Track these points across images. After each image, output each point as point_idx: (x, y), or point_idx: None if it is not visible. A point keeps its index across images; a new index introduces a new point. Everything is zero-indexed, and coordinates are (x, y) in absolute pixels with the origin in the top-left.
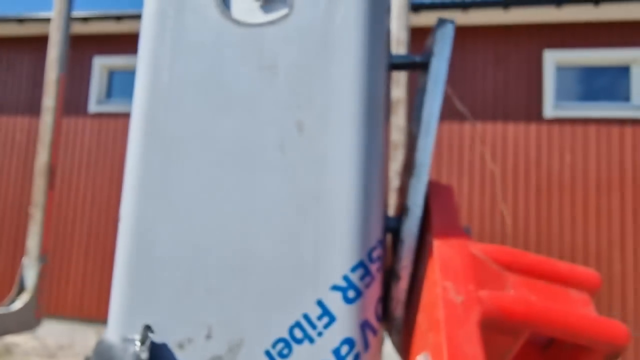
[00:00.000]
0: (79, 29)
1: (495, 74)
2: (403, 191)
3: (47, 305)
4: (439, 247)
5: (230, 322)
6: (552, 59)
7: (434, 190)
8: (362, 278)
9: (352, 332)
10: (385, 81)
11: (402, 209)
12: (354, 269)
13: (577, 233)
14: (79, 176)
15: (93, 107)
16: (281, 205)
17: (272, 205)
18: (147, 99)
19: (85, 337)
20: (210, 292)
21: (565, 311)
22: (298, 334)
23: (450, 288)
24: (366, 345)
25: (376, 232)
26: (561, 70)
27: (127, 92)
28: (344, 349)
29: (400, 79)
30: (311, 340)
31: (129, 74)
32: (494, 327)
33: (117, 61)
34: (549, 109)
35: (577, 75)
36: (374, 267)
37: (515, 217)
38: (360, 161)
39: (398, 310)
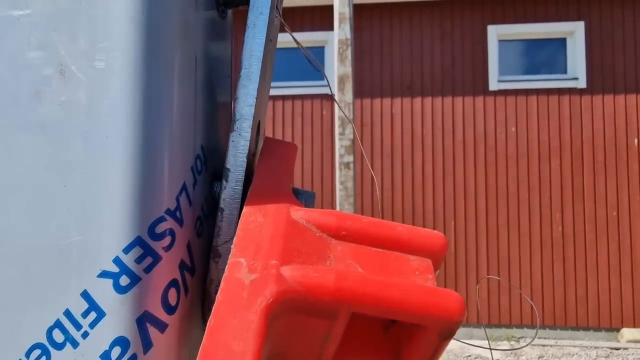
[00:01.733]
0: None
1: (442, 49)
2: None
3: None
4: (246, 214)
5: None
6: (495, 33)
7: (267, 149)
8: (139, 259)
9: (126, 329)
10: (188, 22)
11: (223, 172)
12: (127, 249)
13: (522, 200)
14: None
15: None
16: (39, 170)
17: (28, 171)
18: None
19: None
20: None
21: (385, 284)
22: (58, 336)
23: (243, 265)
24: (147, 344)
25: (162, 200)
26: (503, 44)
27: None
28: (115, 352)
29: (347, 55)
30: (74, 344)
31: None
32: (301, 310)
33: None
34: (494, 82)
35: (519, 49)
36: (159, 245)
37: (465, 190)
38: (136, 114)
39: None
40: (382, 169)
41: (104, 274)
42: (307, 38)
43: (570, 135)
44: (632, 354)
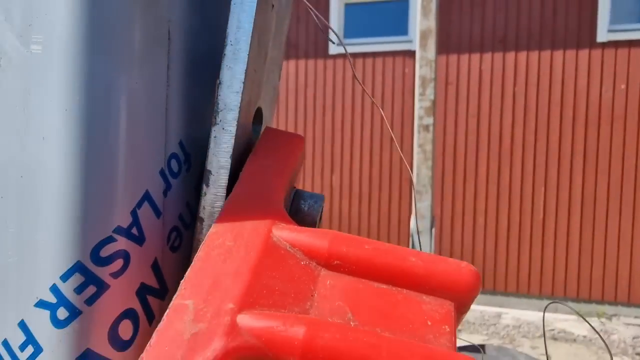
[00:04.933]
0: None
1: None
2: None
3: None
4: (212, 235)
5: None
6: None
7: (262, 144)
8: (79, 289)
9: None
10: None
11: (204, 175)
12: (65, 277)
13: (628, 169)
14: None
15: None
16: None
17: None
18: None
19: None
20: None
21: (374, 345)
22: None
23: (188, 309)
24: None
25: (109, 217)
26: None
27: None
28: None
29: (431, 7)
30: None
31: None
32: None
33: None
34: (603, 33)
35: None
36: (105, 271)
37: (560, 155)
38: (75, 111)
39: None
40: (466, 131)
41: (40, 304)
42: None
43: None
44: None
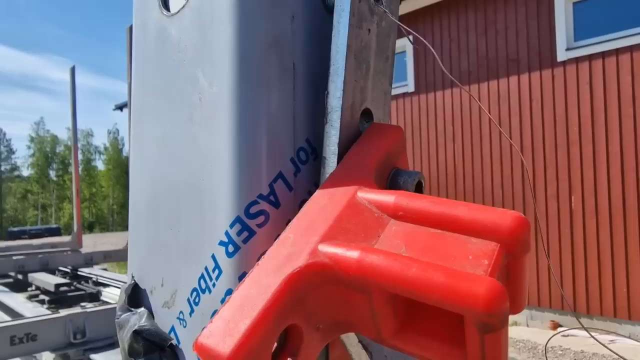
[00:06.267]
0: None
1: None
2: None
3: None
4: (314, 197)
5: (170, 274)
6: None
7: (365, 134)
8: (239, 233)
9: (233, 283)
10: (281, 37)
11: (321, 161)
12: (231, 225)
13: None
14: None
15: None
16: (191, 170)
17: (187, 174)
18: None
19: None
20: (162, 249)
21: (407, 264)
22: (203, 284)
23: (290, 240)
24: None
25: (255, 188)
26: None
27: None
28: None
29: None
30: (209, 291)
31: None
32: (333, 281)
33: None
34: None
35: None
36: (253, 222)
37: None
38: (234, 127)
39: None
40: None
41: (221, 243)
42: None
43: None
44: None
